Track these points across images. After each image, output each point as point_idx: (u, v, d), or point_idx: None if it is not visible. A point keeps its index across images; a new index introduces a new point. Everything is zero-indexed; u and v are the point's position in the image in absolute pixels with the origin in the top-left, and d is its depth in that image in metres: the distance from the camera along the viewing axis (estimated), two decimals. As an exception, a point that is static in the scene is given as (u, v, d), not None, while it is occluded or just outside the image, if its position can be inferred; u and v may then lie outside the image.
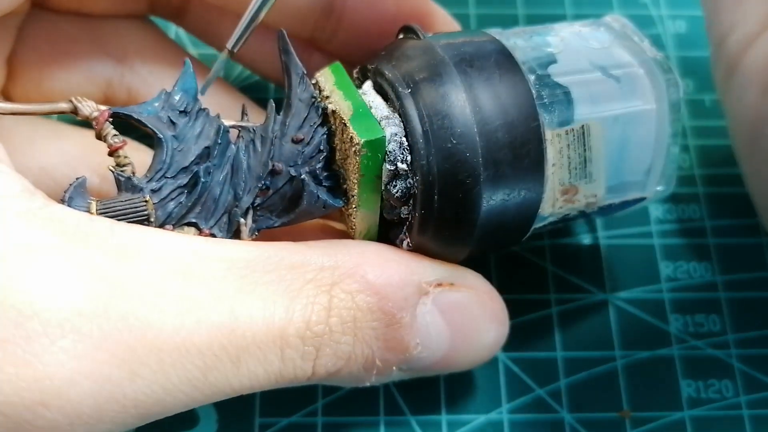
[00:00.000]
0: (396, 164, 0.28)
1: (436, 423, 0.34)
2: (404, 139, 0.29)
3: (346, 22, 0.35)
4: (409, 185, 0.29)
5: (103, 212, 0.28)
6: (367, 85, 0.31)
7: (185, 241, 0.27)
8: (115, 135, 0.30)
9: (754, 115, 0.34)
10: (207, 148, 0.30)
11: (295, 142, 0.30)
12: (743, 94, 0.35)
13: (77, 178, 0.28)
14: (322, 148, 0.30)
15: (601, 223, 0.39)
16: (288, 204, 0.30)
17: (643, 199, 0.33)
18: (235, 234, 0.30)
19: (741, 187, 0.37)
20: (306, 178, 0.30)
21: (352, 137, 0.29)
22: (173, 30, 0.43)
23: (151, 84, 0.35)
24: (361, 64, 0.32)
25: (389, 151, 0.29)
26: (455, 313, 0.30)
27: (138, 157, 0.30)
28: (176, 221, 0.29)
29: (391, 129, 0.29)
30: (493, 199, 0.29)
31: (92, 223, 0.26)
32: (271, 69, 0.37)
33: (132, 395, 0.24)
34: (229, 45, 0.30)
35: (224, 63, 0.30)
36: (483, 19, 0.45)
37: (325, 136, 0.30)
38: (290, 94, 0.31)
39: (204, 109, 0.30)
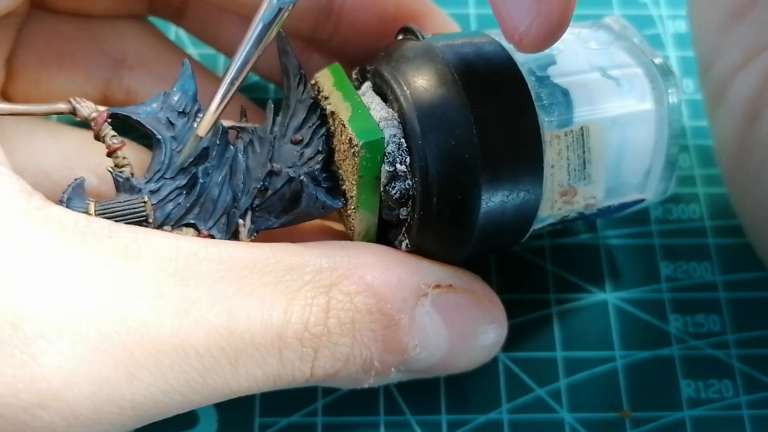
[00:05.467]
0: (395, 165, 0.28)
1: (436, 423, 0.34)
2: (403, 140, 0.28)
3: (345, 23, 0.35)
4: (407, 186, 0.29)
5: (102, 213, 0.28)
6: (366, 86, 0.31)
7: (183, 242, 0.27)
8: (114, 136, 0.30)
9: (737, 144, 0.34)
10: (206, 148, 0.30)
11: (294, 143, 0.30)
12: (728, 122, 0.35)
13: (76, 179, 0.28)
14: (320, 149, 0.30)
15: (601, 223, 0.39)
16: (287, 205, 0.30)
17: (642, 200, 0.33)
18: (233, 235, 0.30)
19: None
20: (305, 179, 0.30)
21: (350, 138, 0.29)
22: (173, 30, 0.43)
23: (149, 85, 0.35)
24: (360, 65, 0.32)
25: (388, 153, 0.29)
26: (454, 314, 0.30)
27: (137, 157, 0.30)
28: (175, 222, 0.29)
29: (390, 130, 0.29)
30: (492, 201, 0.29)
31: (90, 224, 0.26)
32: (270, 69, 0.37)
33: (130, 397, 0.24)
34: (200, 132, 0.30)
35: (195, 146, 0.30)
36: (483, 20, 0.45)
37: (323, 137, 0.30)
38: (289, 95, 0.31)
39: (203, 111, 0.30)
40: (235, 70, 0.30)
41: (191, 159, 0.30)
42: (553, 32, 0.26)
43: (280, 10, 0.29)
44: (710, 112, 0.37)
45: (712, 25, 0.36)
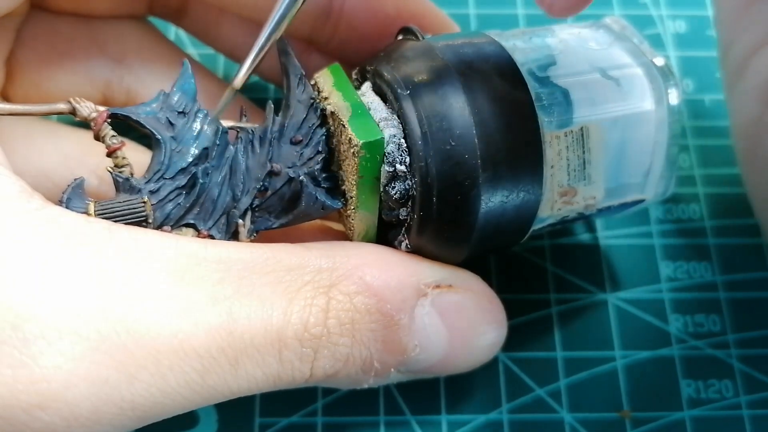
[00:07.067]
0: (395, 166, 0.28)
1: (436, 423, 0.34)
2: (403, 140, 0.28)
3: (344, 23, 0.35)
4: (407, 187, 0.29)
5: (101, 213, 0.28)
6: (366, 87, 0.31)
7: (183, 242, 0.27)
8: (114, 136, 0.30)
9: (755, 124, 0.34)
10: (205, 149, 0.30)
11: (294, 143, 0.30)
12: (746, 102, 0.35)
13: (75, 179, 0.28)
14: (320, 149, 0.30)
15: (601, 223, 0.39)
16: (286, 205, 0.30)
17: (642, 200, 0.33)
18: (233, 235, 0.30)
19: (741, 187, 0.37)
20: (304, 180, 0.30)
21: (350, 138, 0.29)
22: (173, 31, 0.43)
23: (149, 85, 0.35)
24: (360, 65, 0.32)
25: (388, 153, 0.29)
26: (453, 315, 0.30)
27: (136, 157, 0.30)
28: (174, 222, 0.29)
29: (390, 130, 0.29)
30: (492, 201, 0.28)
31: (90, 225, 0.26)
32: (270, 70, 0.37)
33: (130, 398, 0.24)
34: (236, 85, 0.30)
35: (230, 98, 0.30)
36: (482, 20, 0.45)
37: (323, 137, 0.30)
38: (289, 96, 0.31)
39: (202, 110, 0.30)
40: (275, 21, 0.30)
41: (194, 153, 0.30)
42: None
43: None
44: (728, 92, 0.37)
45: (734, 2, 0.36)
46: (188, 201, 0.29)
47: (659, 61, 0.32)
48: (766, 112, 0.34)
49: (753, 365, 0.36)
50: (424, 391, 0.35)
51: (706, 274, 0.38)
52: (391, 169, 0.29)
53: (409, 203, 0.29)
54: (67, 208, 0.27)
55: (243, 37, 0.36)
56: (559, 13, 0.27)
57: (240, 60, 0.38)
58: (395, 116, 0.29)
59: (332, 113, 0.30)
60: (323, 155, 0.30)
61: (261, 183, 0.30)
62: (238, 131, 0.31)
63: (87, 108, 0.30)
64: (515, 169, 0.29)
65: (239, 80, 0.30)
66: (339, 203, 0.30)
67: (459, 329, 0.30)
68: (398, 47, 0.30)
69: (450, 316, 0.30)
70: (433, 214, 0.28)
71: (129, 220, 0.28)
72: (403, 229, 0.30)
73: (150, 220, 0.29)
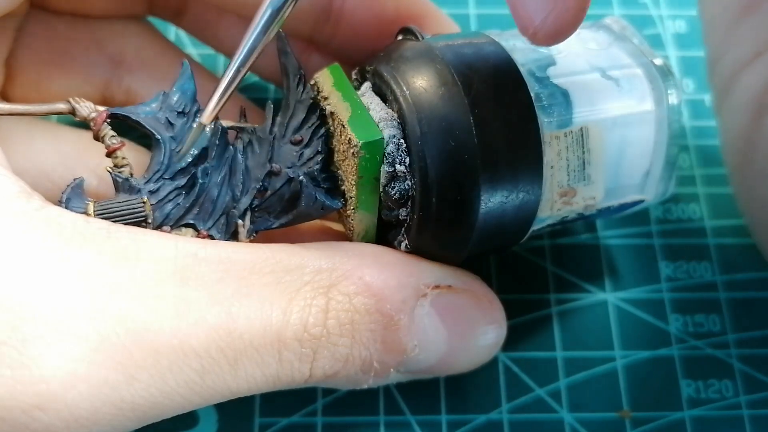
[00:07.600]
0: (394, 166, 0.28)
1: (436, 423, 0.34)
2: (402, 141, 0.28)
3: (344, 23, 0.35)
4: (407, 187, 0.29)
5: (101, 213, 0.28)
6: (366, 87, 0.31)
7: (182, 242, 0.27)
8: (113, 136, 0.30)
9: (744, 140, 0.34)
10: (205, 149, 0.30)
11: (294, 143, 0.30)
12: (735, 117, 0.35)
13: (75, 180, 0.28)
14: (320, 149, 0.30)
15: (601, 223, 0.39)
16: (286, 205, 0.30)
17: (641, 201, 0.33)
18: (233, 235, 0.30)
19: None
20: (304, 180, 0.30)
21: (350, 139, 0.29)
22: (173, 31, 0.43)
23: (149, 85, 0.35)
24: (360, 65, 0.32)
25: (387, 153, 0.28)
26: (453, 315, 0.30)
27: (136, 158, 0.30)
28: (174, 222, 0.29)
29: (390, 131, 0.29)
30: (492, 201, 0.28)
31: (89, 225, 0.26)
32: (269, 70, 0.37)
33: (129, 398, 0.24)
34: (204, 120, 0.30)
35: (198, 135, 0.30)
36: (482, 20, 0.45)
37: (323, 137, 0.30)
38: (288, 96, 0.31)
39: (202, 110, 0.30)
40: (242, 56, 0.30)
41: (194, 153, 0.30)
42: (568, 26, 0.26)
43: None
44: (717, 107, 0.37)
45: (722, 18, 0.36)
46: (188, 201, 0.29)
47: (659, 61, 0.32)
48: (755, 128, 0.34)
49: (753, 365, 0.36)
50: (424, 391, 0.35)
51: (706, 274, 0.38)
52: (391, 170, 0.29)
53: (409, 203, 0.29)
54: (66, 208, 0.27)
55: (242, 37, 0.36)
56: (544, 42, 0.27)
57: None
58: (395, 116, 0.29)
59: (332, 113, 0.30)
60: (323, 155, 0.30)
61: (260, 183, 0.30)
62: (237, 131, 0.31)
63: (86, 108, 0.30)
64: (515, 169, 0.29)
65: (207, 115, 0.30)
66: (338, 203, 0.30)
67: (458, 329, 0.30)
68: (398, 47, 0.30)
69: (449, 317, 0.30)
70: (433, 215, 0.28)
71: (128, 221, 0.28)
72: (403, 229, 0.30)
73: (149, 221, 0.29)
